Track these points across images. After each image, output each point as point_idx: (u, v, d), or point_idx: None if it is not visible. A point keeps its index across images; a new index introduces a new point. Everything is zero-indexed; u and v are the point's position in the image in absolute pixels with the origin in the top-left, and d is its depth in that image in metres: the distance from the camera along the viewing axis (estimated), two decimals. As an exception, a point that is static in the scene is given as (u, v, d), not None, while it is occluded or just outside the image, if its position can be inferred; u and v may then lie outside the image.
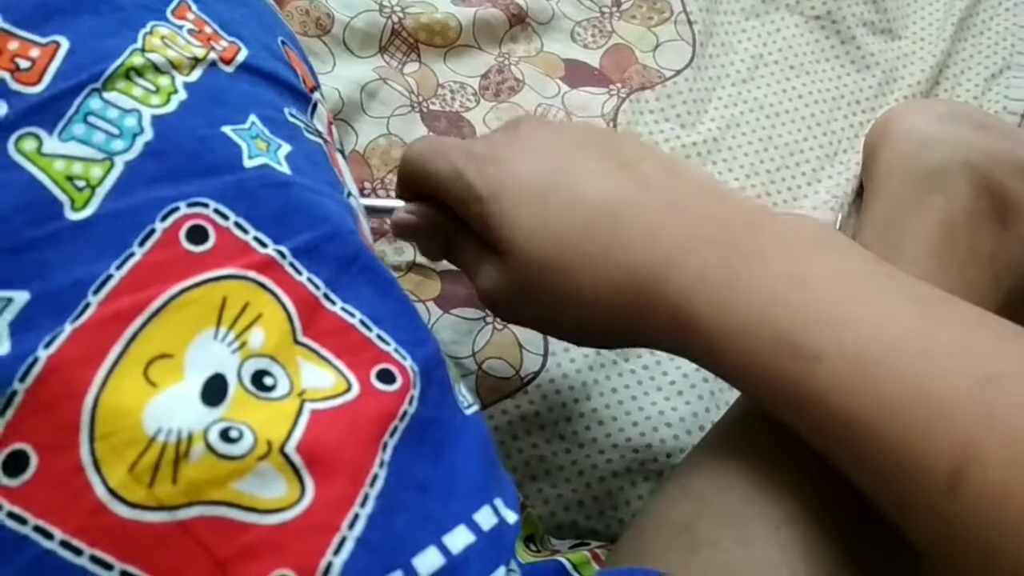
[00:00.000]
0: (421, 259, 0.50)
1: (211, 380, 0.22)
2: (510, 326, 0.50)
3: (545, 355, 0.50)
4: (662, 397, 0.49)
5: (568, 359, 0.50)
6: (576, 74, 0.57)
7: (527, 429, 0.47)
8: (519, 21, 0.57)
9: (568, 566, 0.36)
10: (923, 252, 0.40)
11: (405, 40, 0.55)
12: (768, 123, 0.58)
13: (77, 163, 0.23)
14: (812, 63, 0.60)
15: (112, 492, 0.21)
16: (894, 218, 0.43)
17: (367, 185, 0.51)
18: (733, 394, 0.49)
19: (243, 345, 0.23)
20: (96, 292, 0.22)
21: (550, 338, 0.50)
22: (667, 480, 0.34)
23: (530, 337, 0.50)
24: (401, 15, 0.55)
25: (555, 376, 0.49)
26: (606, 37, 0.59)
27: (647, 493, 0.46)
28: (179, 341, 0.22)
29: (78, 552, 0.20)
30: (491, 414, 0.48)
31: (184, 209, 0.24)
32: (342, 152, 0.33)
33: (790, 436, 0.30)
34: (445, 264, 0.50)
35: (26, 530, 0.21)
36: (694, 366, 0.49)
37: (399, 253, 0.50)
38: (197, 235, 0.23)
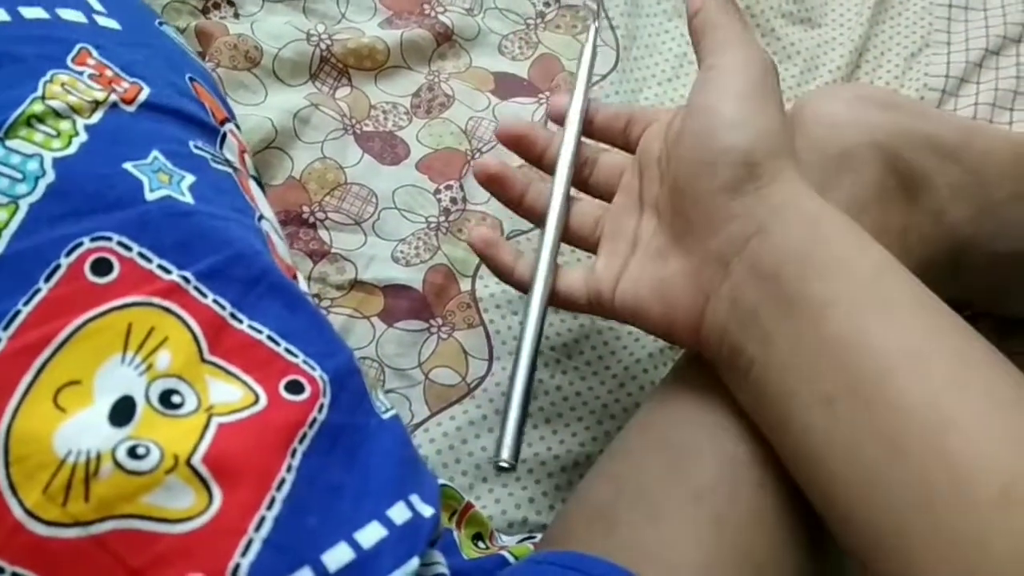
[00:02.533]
0: (363, 276, 0.51)
1: (119, 402, 0.23)
2: (455, 334, 0.51)
3: (490, 360, 0.51)
4: (605, 391, 0.51)
5: (512, 362, 0.51)
6: (506, 86, 0.58)
7: (476, 433, 0.49)
8: (446, 39, 0.59)
9: (510, 559, 0.37)
10: None
11: (335, 66, 0.57)
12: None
13: None
14: (733, 57, 0.62)
15: (29, 512, 0.22)
16: None
17: (305, 209, 0.52)
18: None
19: (150, 367, 0.24)
20: (5, 328, 0.23)
21: (494, 341, 0.51)
22: (592, 466, 0.35)
23: (475, 344, 0.51)
24: (329, 42, 0.57)
25: (501, 379, 0.51)
26: (532, 48, 0.61)
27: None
28: (87, 368, 0.24)
29: (1, 571, 0.22)
30: (439, 421, 0.49)
31: (88, 244, 0.25)
32: (257, 180, 0.35)
33: (706, 405, 0.31)
34: (387, 279, 0.51)
35: (-50, 555, 0.22)
36: (635, 358, 0.51)
37: (341, 272, 0.51)
38: (101, 267, 0.25)
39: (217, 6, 0.57)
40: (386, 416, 0.29)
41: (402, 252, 0.52)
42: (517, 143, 0.44)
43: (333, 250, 0.52)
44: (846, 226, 0.33)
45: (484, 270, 0.53)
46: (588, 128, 0.45)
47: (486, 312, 0.52)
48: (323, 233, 0.52)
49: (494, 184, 0.43)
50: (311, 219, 0.52)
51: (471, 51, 0.60)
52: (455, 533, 0.38)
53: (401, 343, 0.50)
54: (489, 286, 0.53)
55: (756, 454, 0.31)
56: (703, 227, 0.34)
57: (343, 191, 0.53)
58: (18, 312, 0.24)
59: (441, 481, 0.40)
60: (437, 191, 0.54)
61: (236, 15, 0.57)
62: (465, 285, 0.52)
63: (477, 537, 0.40)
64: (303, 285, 0.45)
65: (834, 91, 0.52)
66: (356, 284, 0.51)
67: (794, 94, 0.61)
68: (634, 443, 0.34)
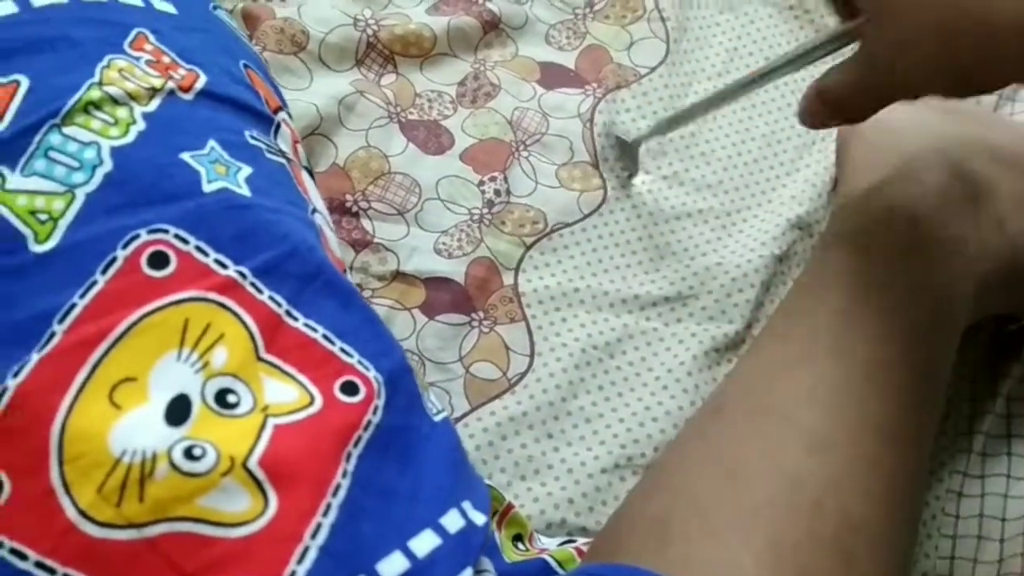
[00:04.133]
0: (405, 268, 0.51)
1: (175, 400, 0.23)
2: (496, 328, 0.50)
3: (532, 355, 0.50)
4: (647, 392, 0.50)
5: (554, 358, 0.50)
6: (552, 76, 0.57)
7: (516, 430, 0.48)
8: (493, 27, 0.58)
9: (552, 563, 0.36)
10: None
11: (381, 52, 0.56)
12: (744, 115, 0.58)
13: (39, 197, 0.24)
14: (787, 53, 0.61)
15: (82, 513, 0.22)
16: (867, 208, 0.44)
17: (348, 198, 0.52)
18: (716, 384, 0.50)
19: (206, 365, 0.24)
20: (61, 321, 0.23)
21: (535, 337, 0.51)
22: (644, 474, 0.35)
23: (516, 338, 0.50)
24: (376, 28, 0.56)
25: (541, 376, 0.50)
26: (580, 38, 0.59)
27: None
28: (143, 364, 0.23)
29: (52, 572, 0.21)
30: (479, 416, 0.48)
31: (145, 236, 0.24)
32: (309, 170, 0.34)
33: (766, 420, 0.30)
34: (429, 271, 0.51)
35: (2, 552, 0.22)
36: (679, 359, 0.50)
37: (383, 263, 0.51)
38: (158, 260, 0.24)
39: (264, -10, 0.57)
40: (438, 418, 0.29)
41: (444, 244, 0.52)
42: None
43: (376, 240, 0.51)
44: None
45: (527, 263, 0.52)
46: None
47: (528, 307, 0.51)
48: (366, 222, 0.51)
49: None
50: (354, 208, 0.52)
51: (518, 40, 0.59)
52: (496, 535, 0.38)
53: (442, 337, 0.50)
54: (532, 280, 0.52)
55: (816, 473, 0.30)
56: None
57: (387, 180, 0.53)
58: (74, 305, 0.23)
59: (485, 481, 0.39)
60: (481, 183, 0.53)
61: (283, 1, 0.57)
62: (508, 279, 0.52)
63: (517, 538, 0.40)
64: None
65: None
66: (398, 275, 0.50)
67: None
68: (690, 454, 0.33)
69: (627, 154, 0.55)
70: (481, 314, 0.51)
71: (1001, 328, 0.48)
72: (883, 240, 0.41)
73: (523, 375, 0.50)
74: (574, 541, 0.40)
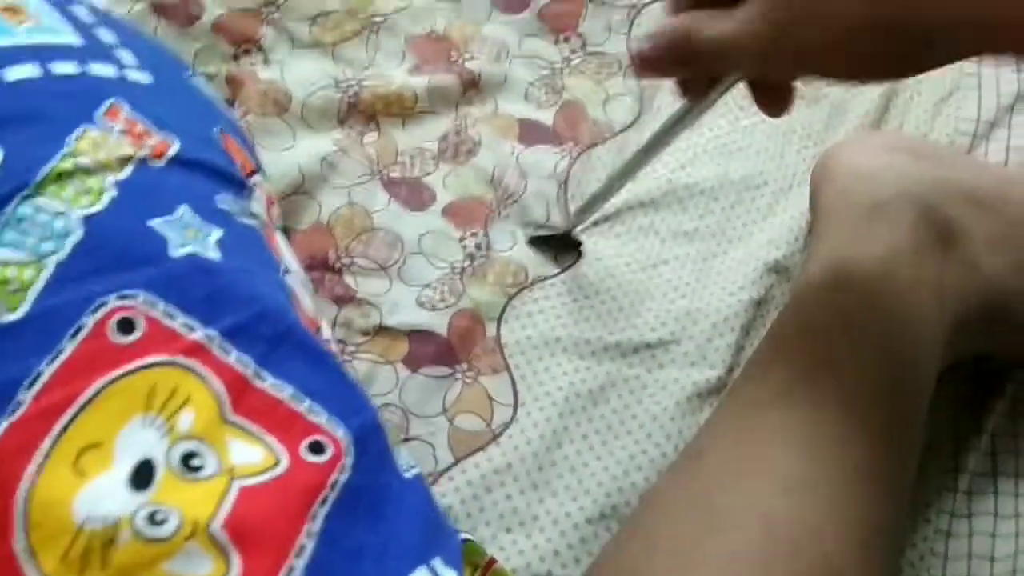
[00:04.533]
0: (388, 322, 0.51)
1: (140, 465, 0.23)
2: (480, 379, 0.51)
3: (515, 405, 0.50)
4: (632, 440, 0.50)
5: (538, 407, 0.50)
6: (530, 133, 0.59)
7: (500, 481, 0.48)
8: (473, 85, 0.59)
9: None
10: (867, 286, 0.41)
11: (363, 112, 0.57)
12: (722, 161, 0.59)
13: (10, 267, 0.25)
14: (761, 101, 0.62)
15: (47, 580, 0.22)
16: (840, 254, 0.44)
17: (331, 254, 0.52)
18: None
19: (172, 429, 0.24)
20: (28, 388, 0.23)
21: (519, 386, 0.51)
22: (622, 523, 0.35)
23: (500, 388, 0.50)
24: (357, 88, 0.57)
25: (525, 426, 0.50)
26: (558, 94, 0.61)
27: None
28: (108, 430, 0.23)
29: (17, 640, 0.22)
30: (464, 468, 0.48)
31: (113, 302, 0.25)
32: (285, 230, 0.35)
33: (741, 463, 0.30)
34: (412, 324, 0.51)
35: (-33, 619, 0.22)
36: (662, 406, 0.50)
37: (366, 317, 0.51)
38: (126, 326, 0.25)
39: (247, 52, 0.58)
40: (409, 475, 0.29)
41: (427, 297, 0.52)
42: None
43: (358, 296, 0.51)
44: None
45: (510, 314, 0.52)
46: None
47: (511, 357, 0.52)
48: (348, 278, 0.52)
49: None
50: (337, 264, 0.52)
51: (497, 97, 0.60)
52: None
53: (425, 390, 0.50)
54: (515, 330, 0.52)
55: (793, 515, 0.30)
56: None
57: (369, 236, 0.53)
58: (41, 373, 0.24)
59: (464, 535, 0.39)
60: (462, 238, 0.54)
61: (266, 60, 0.58)
62: (491, 330, 0.52)
63: (501, 593, 0.39)
64: (327, 332, 0.45)
65: (865, 140, 0.51)
66: (381, 329, 0.51)
67: (820, 138, 0.61)
68: (667, 501, 0.33)
69: (559, 243, 0.55)
70: (464, 365, 0.51)
71: (981, 366, 0.49)
72: (857, 286, 0.42)
73: (507, 425, 0.50)
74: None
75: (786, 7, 0.29)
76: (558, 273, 0.54)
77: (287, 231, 0.35)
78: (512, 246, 0.54)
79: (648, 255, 0.56)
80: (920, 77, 0.63)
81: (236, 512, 0.23)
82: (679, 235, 0.56)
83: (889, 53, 0.30)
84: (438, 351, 0.51)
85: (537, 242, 0.55)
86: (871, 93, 0.62)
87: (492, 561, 0.39)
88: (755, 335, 0.53)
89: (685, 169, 0.58)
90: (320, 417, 0.26)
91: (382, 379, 0.50)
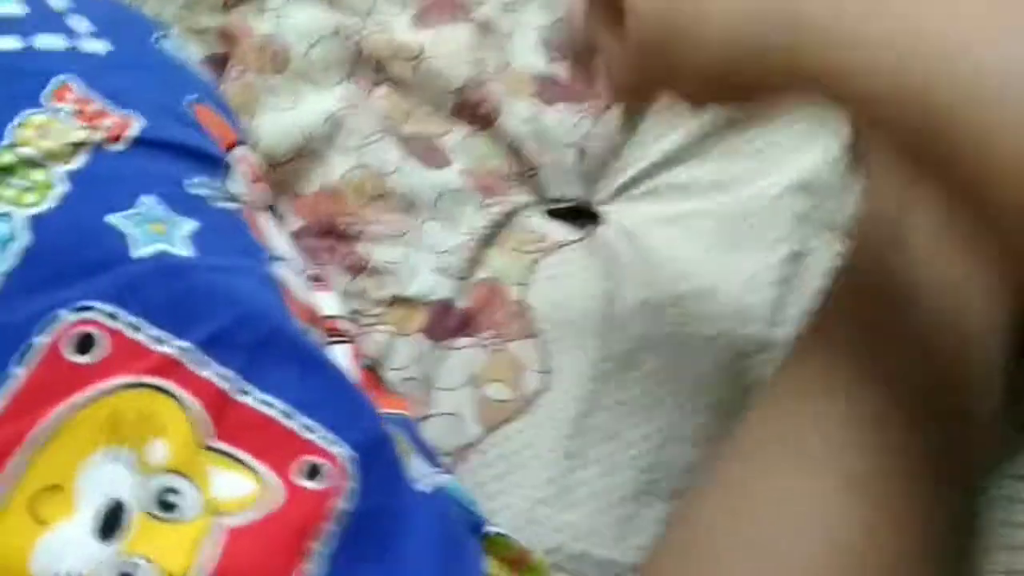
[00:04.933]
0: (405, 292, 0.48)
1: (107, 509, 0.20)
2: (507, 345, 0.48)
3: (546, 372, 0.48)
4: (672, 405, 0.47)
5: (570, 374, 0.48)
6: (547, 90, 0.54)
7: (534, 453, 0.45)
8: (487, 32, 0.55)
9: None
10: None
11: (369, 64, 0.53)
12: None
13: None
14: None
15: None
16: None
17: (341, 220, 0.49)
18: (743, 397, 0.47)
19: (142, 462, 0.21)
20: None
21: (549, 353, 0.48)
22: (669, 532, 0.32)
23: (529, 354, 0.48)
24: (359, 38, 0.53)
25: (557, 394, 0.47)
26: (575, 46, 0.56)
27: (663, 516, 0.44)
28: (68, 468, 0.20)
29: None
30: (494, 441, 0.46)
31: (68, 316, 0.22)
32: (273, 208, 0.31)
33: (789, 495, 0.27)
34: (431, 293, 0.48)
35: None
36: (700, 371, 0.47)
37: (381, 287, 0.48)
38: (84, 343, 0.22)
39: (240, 1, 0.54)
40: (422, 486, 0.26)
41: (447, 264, 0.49)
42: None
43: (372, 264, 0.48)
44: None
45: (537, 275, 0.49)
46: None
47: (539, 321, 0.49)
48: (361, 246, 0.49)
49: None
50: (348, 231, 0.49)
51: (509, 47, 0.56)
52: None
53: (448, 360, 0.47)
54: (541, 294, 0.49)
55: (854, 514, 0.26)
56: None
57: (382, 200, 0.50)
58: None
59: (493, 528, 0.36)
60: (483, 203, 0.51)
61: (261, 9, 0.54)
62: (516, 295, 0.49)
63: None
64: (335, 307, 0.41)
65: None
66: (397, 300, 0.48)
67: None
68: (717, 521, 0.30)
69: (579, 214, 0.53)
70: (490, 332, 0.48)
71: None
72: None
73: (538, 393, 0.47)
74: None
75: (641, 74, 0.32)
76: (581, 238, 0.50)
77: (276, 214, 0.31)
78: (531, 215, 0.51)
79: (674, 208, 0.52)
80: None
81: (220, 560, 0.20)
82: (706, 186, 0.52)
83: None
84: (460, 320, 0.48)
85: (556, 214, 0.52)
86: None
87: (525, 554, 0.37)
88: (797, 291, 0.50)
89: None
90: (315, 433, 0.23)
91: (401, 352, 0.47)
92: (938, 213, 0.32)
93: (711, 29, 0.28)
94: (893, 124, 0.24)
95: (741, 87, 0.29)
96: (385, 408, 0.35)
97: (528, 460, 0.45)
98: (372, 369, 0.40)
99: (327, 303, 0.38)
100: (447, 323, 0.47)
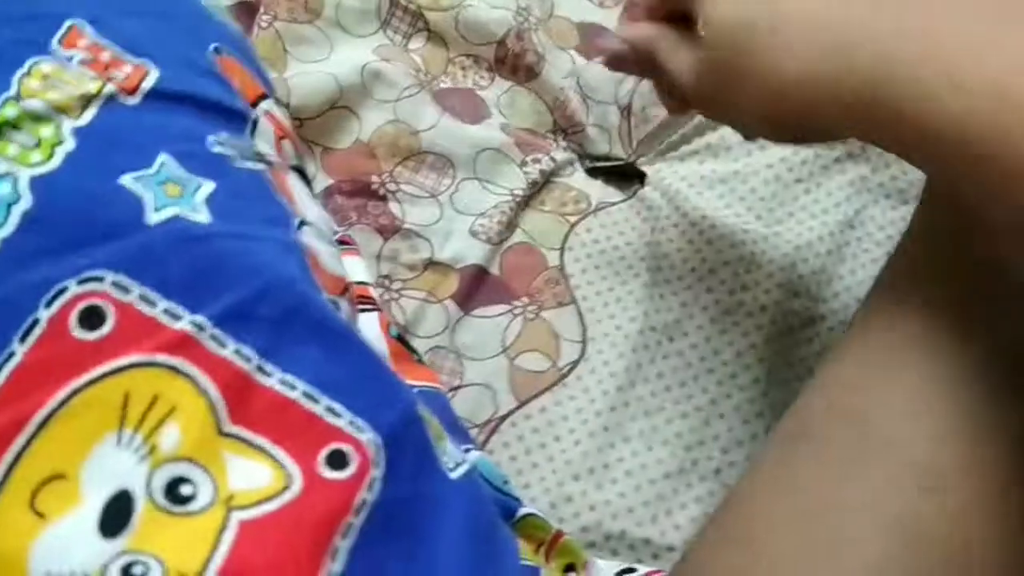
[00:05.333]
0: (438, 255, 0.46)
1: (113, 500, 0.18)
2: (543, 314, 0.46)
3: (583, 342, 0.46)
4: (714, 382, 0.44)
5: (609, 343, 0.46)
6: (592, 42, 0.53)
7: (569, 427, 0.44)
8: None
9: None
10: None
11: (407, 12, 0.51)
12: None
13: None
14: None
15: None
16: None
17: (375, 179, 0.47)
18: (791, 372, 0.44)
19: (153, 449, 0.19)
20: None
21: (587, 320, 0.46)
22: (712, 520, 0.30)
23: (565, 323, 0.46)
24: (396, -17, 0.50)
25: (595, 365, 0.45)
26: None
27: (705, 495, 0.42)
28: (73, 456, 0.19)
29: None
30: (528, 413, 0.44)
31: (74, 288, 0.20)
32: (300, 169, 0.29)
33: (865, 453, 0.25)
34: (465, 257, 0.46)
35: None
36: (747, 343, 0.45)
37: (414, 251, 0.46)
38: (92, 318, 0.20)
39: (270, -56, 0.51)
40: (456, 474, 0.24)
41: (482, 227, 0.47)
42: None
43: (405, 225, 0.47)
44: None
45: (573, 240, 0.48)
46: None
47: (577, 288, 0.47)
48: (394, 206, 0.47)
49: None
50: (381, 190, 0.47)
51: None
52: (542, 571, 0.33)
53: (479, 331, 0.45)
54: (580, 259, 0.47)
55: (933, 510, 0.24)
56: None
57: (417, 159, 0.48)
58: None
59: (527, 510, 0.35)
60: (523, 162, 0.48)
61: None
62: (553, 259, 0.47)
63: (569, 568, 0.35)
64: (362, 272, 0.39)
65: None
66: (430, 264, 0.46)
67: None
68: (766, 499, 0.27)
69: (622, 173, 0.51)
70: (525, 300, 0.46)
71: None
72: None
73: (575, 364, 0.45)
74: (634, 571, 0.35)
75: (711, 85, 0.31)
76: (624, 199, 0.48)
77: (304, 176, 0.29)
78: (572, 173, 0.49)
79: (723, 169, 0.50)
80: None
81: (234, 557, 0.19)
82: (755, 146, 0.50)
83: (804, 134, 0.31)
84: (494, 286, 0.46)
85: (597, 173, 0.50)
86: None
87: (559, 535, 0.35)
88: (850, 262, 0.47)
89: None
90: (342, 418, 0.21)
91: (432, 319, 0.45)
92: None
93: (786, 58, 0.27)
94: (983, 172, 0.23)
95: (809, 128, 0.29)
96: (413, 381, 0.33)
97: (563, 434, 0.43)
98: (401, 339, 0.38)
99: (354, 268, 0.36)
100: (480, 289, 0.46)
